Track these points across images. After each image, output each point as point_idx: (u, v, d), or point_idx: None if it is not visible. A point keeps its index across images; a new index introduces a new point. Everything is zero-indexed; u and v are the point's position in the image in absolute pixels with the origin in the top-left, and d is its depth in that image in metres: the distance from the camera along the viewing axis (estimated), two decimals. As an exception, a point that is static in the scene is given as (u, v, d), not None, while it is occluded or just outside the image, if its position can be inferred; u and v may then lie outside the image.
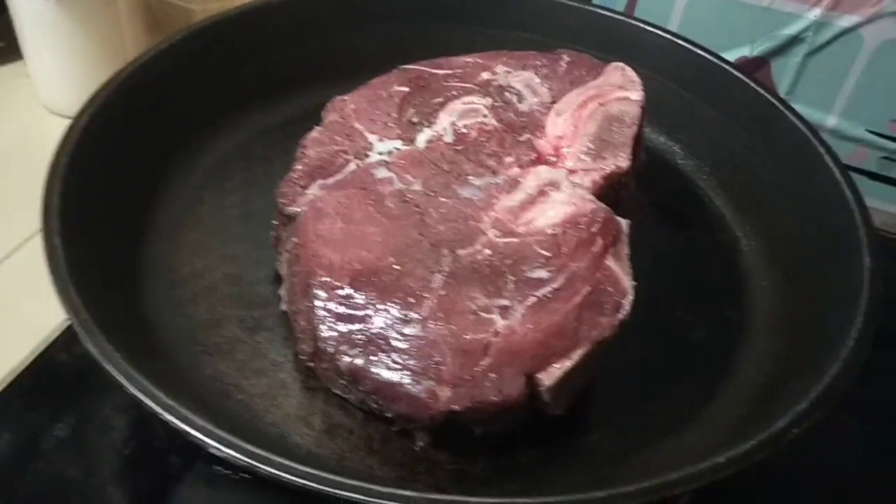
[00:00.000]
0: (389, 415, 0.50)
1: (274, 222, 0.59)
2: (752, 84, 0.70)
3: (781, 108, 0.68)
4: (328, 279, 0.51)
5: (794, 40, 0.87)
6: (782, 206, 0.65)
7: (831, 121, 0.91)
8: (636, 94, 0.61)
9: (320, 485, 0.39)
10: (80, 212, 0.55)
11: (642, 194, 0.71)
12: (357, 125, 0.62)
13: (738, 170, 0.70)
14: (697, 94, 0.74)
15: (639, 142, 0.61)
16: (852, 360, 0.47)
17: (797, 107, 0.91)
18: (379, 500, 0.39)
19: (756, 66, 0.91)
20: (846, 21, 0.80)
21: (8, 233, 0.69)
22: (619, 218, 0.54)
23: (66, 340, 0.61)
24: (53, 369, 0.61)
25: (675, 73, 0.74)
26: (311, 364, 0.53)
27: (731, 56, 0.91)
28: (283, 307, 0.57)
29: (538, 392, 0.49)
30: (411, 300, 0.50)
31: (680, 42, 0.74)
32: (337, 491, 0.39)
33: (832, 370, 0.47)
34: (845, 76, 0.88)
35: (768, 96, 0.68)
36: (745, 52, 0.90)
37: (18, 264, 0.67)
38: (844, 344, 0.48)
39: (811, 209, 0.62)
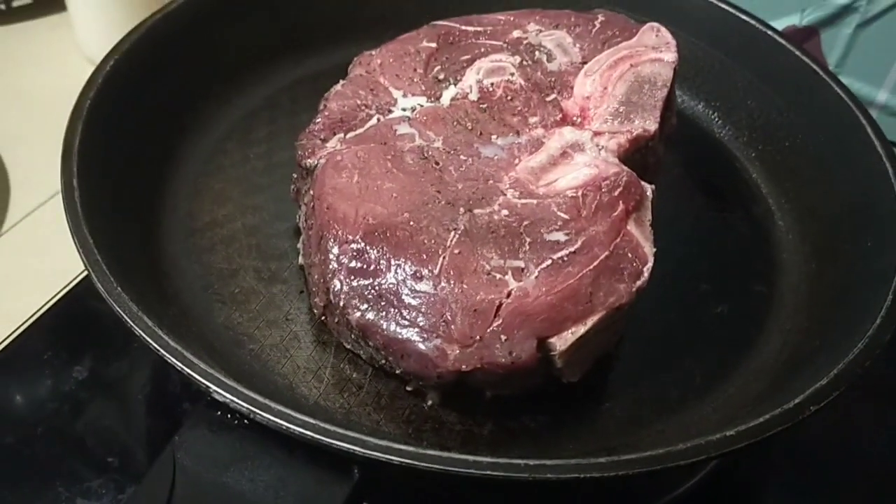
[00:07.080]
0: (399, 371, 0.49)
1: (294, 175, 0.58)
2: (797, 52, 0.67)
3: (826, 78, 0.65)
4: (342, 233, 0.50)
5: (846, 9, 0.83)
6: (820, 180, 0.63)
7: (882, 96, 0.87)
8: (670, 56, 0.59)
9: (319, 434, 0.39)
10: (101, 155, 0.55)
11: (675, 161, 0.69)
12: (382, 80, 0.61)
13: (777, 140, 0.67)
14: (739, 60, 0.71)
15: (670, 105, 0.59)
16: (876, 339, 0.45)
17: (846, 80, 0.87)
18: (374, 453, 0.38)
19: (805, 35, 0.88)
20: (902, -11, 0.76)
21: (49, 181, 0.69)
22: (643, 183, 0.53)
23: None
24: (76, 312, 0.62)
25: (717, 39, 0.72)
26: (324, 318, 0.52)
27: (780, 24, 0.87)
28: (300, 261, 0.57)
29: (551, 357, 0.48)
30: (424, 257, 0.49)
31: (723, 6, 0.71)
32: (336, 442, 0.39)
33: (855, 349, 0.45)
34: (899, 49, 0.84)
35: (812, 65, 0.65)
36: (795, 20, 0.87)
37: (58, 210, 0.68)
38: (870, 322, 0.46)
39: (850, 184, 0.60)
